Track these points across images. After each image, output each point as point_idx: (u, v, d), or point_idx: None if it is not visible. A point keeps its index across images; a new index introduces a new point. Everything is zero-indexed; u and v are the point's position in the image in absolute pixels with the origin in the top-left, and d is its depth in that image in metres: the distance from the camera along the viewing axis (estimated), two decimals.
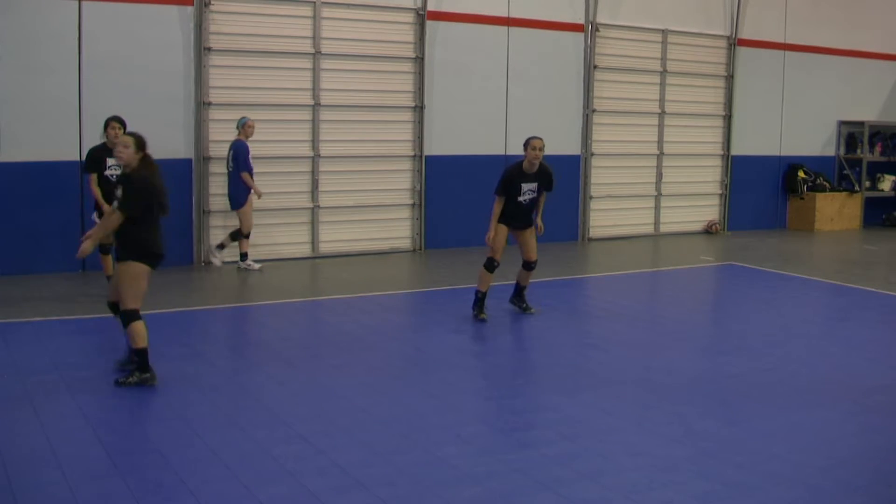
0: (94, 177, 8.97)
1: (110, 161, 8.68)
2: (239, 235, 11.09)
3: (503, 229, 8.55)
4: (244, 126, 10.89)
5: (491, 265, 8.53)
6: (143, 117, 10.82)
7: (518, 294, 8.93)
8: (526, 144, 8.42)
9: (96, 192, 8.96)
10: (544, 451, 5.19)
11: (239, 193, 10.90)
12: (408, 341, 8.09)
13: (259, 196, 10.95)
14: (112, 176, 8.56)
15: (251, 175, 10.83)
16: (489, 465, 4.96)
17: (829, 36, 16.44)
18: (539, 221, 8.86)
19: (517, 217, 8.55)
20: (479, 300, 8.60)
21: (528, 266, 8.78)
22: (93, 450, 5.10)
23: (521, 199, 8.49)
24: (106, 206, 8.04)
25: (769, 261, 12.51)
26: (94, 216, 8.99)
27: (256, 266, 11.06)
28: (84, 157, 9.41)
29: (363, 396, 6.19)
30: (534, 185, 8.50)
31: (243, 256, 11.13)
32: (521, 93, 13.45)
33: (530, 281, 8.93)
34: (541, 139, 8.42)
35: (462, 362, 7.08)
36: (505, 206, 8.46)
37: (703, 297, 11.02)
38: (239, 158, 10.79)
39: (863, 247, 14.62)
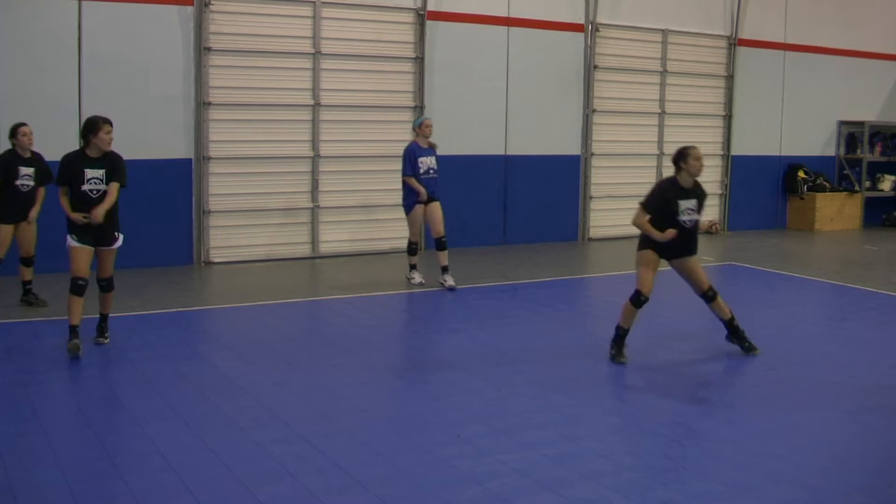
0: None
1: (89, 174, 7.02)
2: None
3: (650, 258, 7.11)
4: (419, 126, 10.13)
5: (639, 300, 7.10)
6: (143, 117, 10.90)
7: (735, 333, 7.55)
8: (685, 155, 7.07)
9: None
10: (544, 451, 5.18)
11: (404, 198, 10.13)
12: (408, 341, 8.09)
13: (424, 197, 9.92)
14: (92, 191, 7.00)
15: (416, 179, 9.89)
16: (489, 465, 4.96)
17: (829, 36, 16.44)
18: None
19: (676, 243, 7.05)
20: (620, 337, 7.21)
21: (706, 298, 7.43)
22: (93, 450, 5.10)
23: (681, 219, 7.06)
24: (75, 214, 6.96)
25: (769, 261, 12.50)
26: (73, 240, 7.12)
27: (417, 279, 10.18)
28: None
29: (363, 396, 6.19)
30: (693, 203, 7.12)
31: (411, 267, 10.36)
32: (521, 93, 13.45)
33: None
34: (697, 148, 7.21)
35: (462, 362, 7.08)
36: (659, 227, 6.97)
37: None
38: (404, 161, 10.01)
39: (863, 247, 14.62)
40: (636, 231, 7.25)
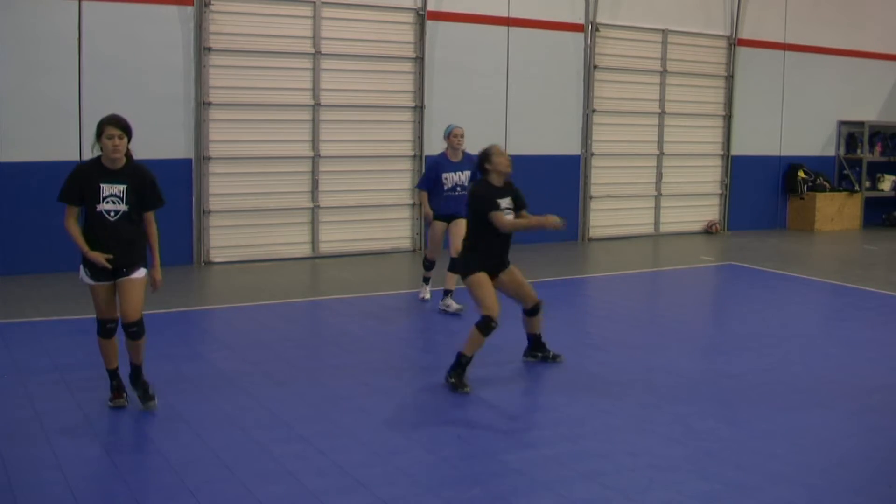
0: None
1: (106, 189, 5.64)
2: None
3: (483, 280, 6.60)
4: (447, 136, 9.04)
5: (488, 327, 6.48)
6: (143, 117, 10.86)
7: (538, 347, 7.23)
8: (488, 155, 6.72)
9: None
10: (544, 451, 5.18)
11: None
12: (408, 341, 8.09)
13: (429, 221, 9.00)
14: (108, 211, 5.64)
15: (426, 194, 8.97)
16: (489, 465, 4.96)
17: (829, 36, 16.43)
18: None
19: (496, 256, 6.75)
20: (462, 366, 6.41)
21: (532, 312, 7.08)
22: (93, 450, 5.10)
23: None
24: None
25: (769, 261, 12.50)
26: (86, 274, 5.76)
27: (455, 307, 8.83)
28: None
29: (363, 396, 6.19)
30: (509, 201, 6.78)
31: (424, 281, 9.47)
32: (521, 93, 13.45)
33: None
34: None
35: None
36: None
37: (704, 297, 11.02)
38: (424, 173, 9.27)
39: (863, 247, 14.62)
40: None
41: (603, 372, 6.93)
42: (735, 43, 15.43)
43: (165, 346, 7.37)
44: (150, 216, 5.76)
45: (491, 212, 6.48)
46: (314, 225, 12.27)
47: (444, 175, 8.80)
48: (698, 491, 4.65)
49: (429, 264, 9.26)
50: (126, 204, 5.59)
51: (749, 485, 4.74)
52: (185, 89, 11.17)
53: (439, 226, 8.94)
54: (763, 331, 8.37)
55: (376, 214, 12.64)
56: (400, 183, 12.80)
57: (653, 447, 5.30)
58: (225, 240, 11.66)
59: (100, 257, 5.53)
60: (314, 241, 12.29)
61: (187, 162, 11.27)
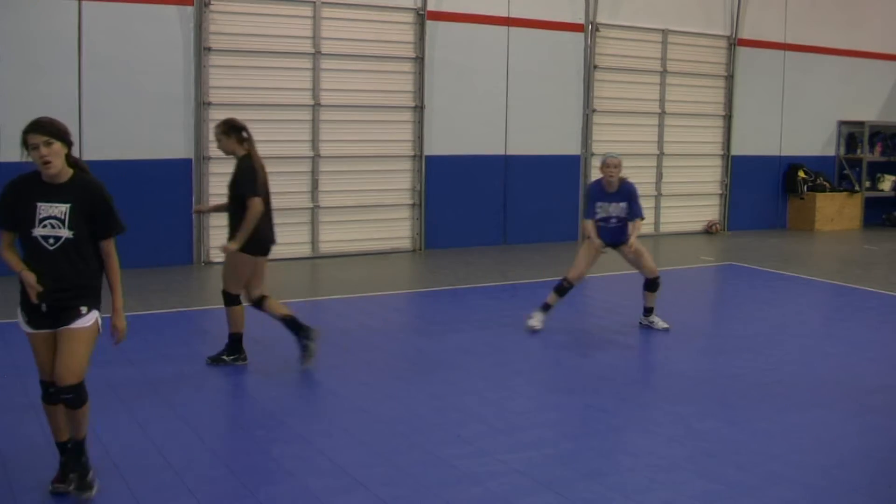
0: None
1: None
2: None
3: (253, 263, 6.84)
4: (601, 165, 8.20)
5: (233, 300, 6.87)
6: (143, 117, 10.91)
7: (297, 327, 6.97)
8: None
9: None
10: (544, 451, 5.18)
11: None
12: (408, 341, 8.09)
13: (596, 249, 8.17)
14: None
15: (591, 222, 8.19)
16: (489, 465, 4.96)
17: (829, 36, 16.44)
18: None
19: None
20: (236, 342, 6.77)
21: (258, 304, 7.00)
22: (93, 450, 5.09)
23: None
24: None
25: (769, 261, 12.50)
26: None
27: (661, 324, 8.27)
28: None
29: (363, 396, 6.19)
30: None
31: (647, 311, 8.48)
32: (521, 93, 13.45)
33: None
34: None
35: (462, 362, 7.08)
36: None
37: (704, 297, 11.02)
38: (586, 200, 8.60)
39: (863, 247, 14.62)
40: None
41: (603, 372, 6.93)
42: (735, 43, 15.43)
43: (165, 346, 7.38)
44: (110, 247, 4.44)
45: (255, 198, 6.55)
46: (314, 225, 12.28)
47: (598, 204, 8.14)
48: (698, 491, 4.65)
49: (564, 290, 8.27)
50: (69, 229, 4.28)
51: (749, 485, 4.74)
52: (185, 89, 11.17)
53: (591, 246, 8.18)
54: (763, 331, 8.37)
55: (376, 214, 12.64)
56: (400, 183, 12.80)
57: (653, 447, 5.30)
58: (225, 240, 11.62)
59: (31, 280, 4.26)
60: (314, 241, 12.29)
61: (187, 162, 11.27)
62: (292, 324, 6.87)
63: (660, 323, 8.25)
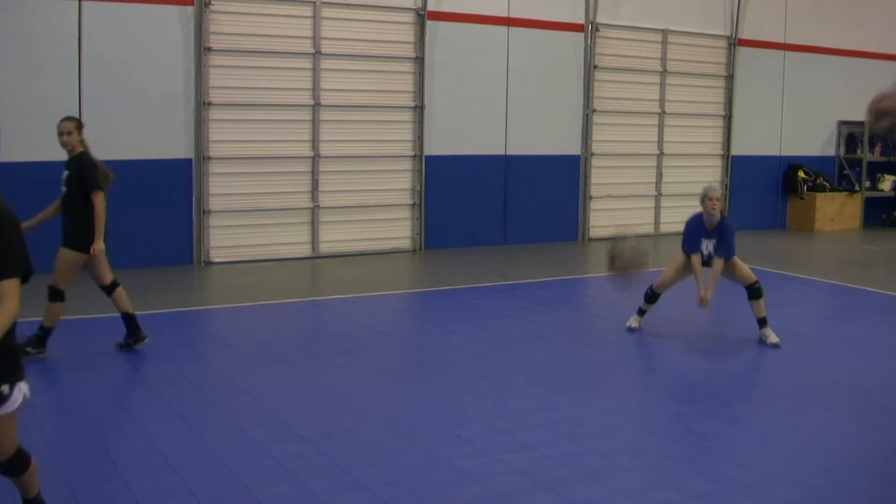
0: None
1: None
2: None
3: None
4: (703, 199, 8.20)
5: (112, 288, 7.20)
6: (143, 117, 10.90)
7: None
8: None
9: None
10: (544, 451, 5.18)
11: (683, 242, 8.47)
12: (408, 341, 8.09)
13: (704, 302, 7.83)
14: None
15: (698, 256, 8.10)
16: (489, 465, 4.96)
17: (829, 36, 16.44)
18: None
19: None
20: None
21: (109, 290, 7.27)
22: (93, 450, 5.10)
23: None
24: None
25: (769, 261, 12.49)
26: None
27: (773, 339, 7.80)
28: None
29: (363, 396, 6.19)
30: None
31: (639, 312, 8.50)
32: (521, 93, 13.45)
33: None
34: None
35: (462, 362, 7.08)
36: None
37: None
38: (684, 234, 8.44)
39: (863, 247, 14.62)
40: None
41: (603, 372, 6.93)
42: (735, 43, 15.43)
43: (165, 346, 7.37)
44: (10, 288, 3.53)
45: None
46: (314, 225, 12.27)
47: (702, 241, 8.06)
48: (698, 491, 4.65)
49: (653, 297, 8.33)
50: None
51: (749, 485, 4.74)
52: (185, 89, 11.17)
53: (682, 262, 8.19)
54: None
55: (376, 214, 12.64)
56: (400, 183, 12.80)
57: (653, 447, 5.30)
58: (225, 240, 11.66)
59: None
60: (314, 241, 12.29)
61: (187, 162, 11.27)
62: (131, 322, 7.16)
63: (772, 337, 7.74)
